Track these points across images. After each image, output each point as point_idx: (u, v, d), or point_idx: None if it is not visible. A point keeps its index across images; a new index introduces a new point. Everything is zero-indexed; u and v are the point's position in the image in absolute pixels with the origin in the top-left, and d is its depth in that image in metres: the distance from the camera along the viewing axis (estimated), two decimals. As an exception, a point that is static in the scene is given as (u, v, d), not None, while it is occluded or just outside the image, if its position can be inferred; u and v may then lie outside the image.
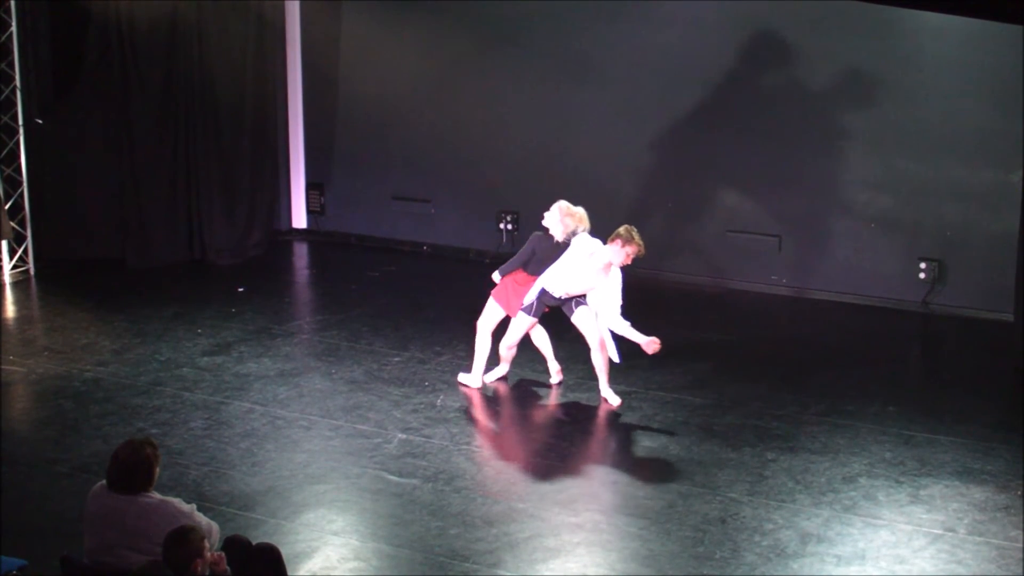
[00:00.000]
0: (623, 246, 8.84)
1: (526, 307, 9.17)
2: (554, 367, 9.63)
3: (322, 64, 13.79)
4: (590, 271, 8.96)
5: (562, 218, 9.18)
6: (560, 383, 9.61)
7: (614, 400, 9.24)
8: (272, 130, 13.68)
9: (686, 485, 7.92)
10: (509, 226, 13.09)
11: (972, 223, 11.35)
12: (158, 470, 5.75)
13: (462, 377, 9.61)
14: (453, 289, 12.18)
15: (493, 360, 9.58)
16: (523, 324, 9.25)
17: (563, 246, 9.12)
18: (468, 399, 9.40)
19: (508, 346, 9.40)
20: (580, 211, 9.22)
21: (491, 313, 9.42)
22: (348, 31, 13.61)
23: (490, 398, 9.45)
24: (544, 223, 9.27)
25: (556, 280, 9.03)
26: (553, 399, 9.41)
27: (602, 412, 9.12)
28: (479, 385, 9.54)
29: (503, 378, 9.66)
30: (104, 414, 9.00)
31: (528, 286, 9.22)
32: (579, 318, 9.16)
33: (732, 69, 11.98)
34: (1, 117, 11.99)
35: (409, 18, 13.15)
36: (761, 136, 11.99)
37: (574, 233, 9.12)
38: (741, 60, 11.94)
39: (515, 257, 9.41)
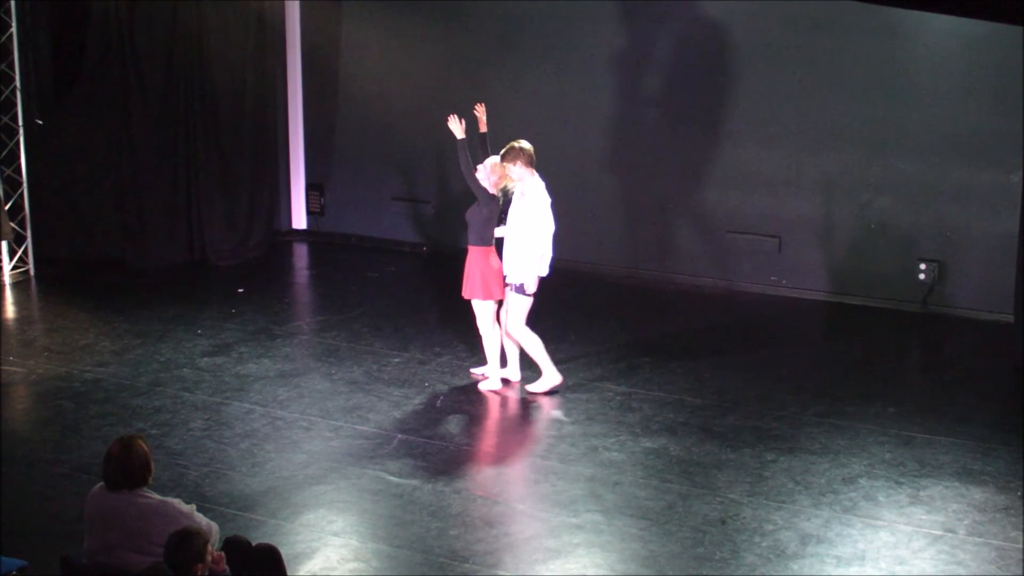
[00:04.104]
0: (516, 162, 9.15)
1: (530, 292, 9.21)
2: (494, 366, 9.57)
3: (322, 64, 13.80)
4: (518, 211, 9.23)
5: (489, 171, 9.27)
6: (482, 380, 9.62)
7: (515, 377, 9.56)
8: (272, 131, 13.69)
9: (686, 486, 7.92)
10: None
11: (972, 223, 11.35)
12: (153, 464, 5.75)
13: (484, 385, 9.60)
14: (453, 290, 12.15)
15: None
16: (524, 304, 9.28)
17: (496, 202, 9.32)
18: (468, 400, 9.40)
19: (519, 330, 9.36)
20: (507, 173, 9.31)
21: (484, 310, 9.40)
22: (348, 31, 13.62)
23: (490, 399, 9.45)
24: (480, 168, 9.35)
25: (532, 252, 9.15)
26: (553, 400, 9.40)
27: (602, 413, 9.12)
28: (500, 385, 9.55)
29: (506, 380, 9.66)
30: (104, 415, 9.00)
31: (497, 270, 9.29)
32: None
33: (732, 69, 11.98)
34: (1, 118, 11.99)
35: (409, 18, 13.15)
36: (761, 136, 11.99)
37: (504, 190, 9.31)
38: (741, 60, 11.95)
39: (467, 165, 9.26)
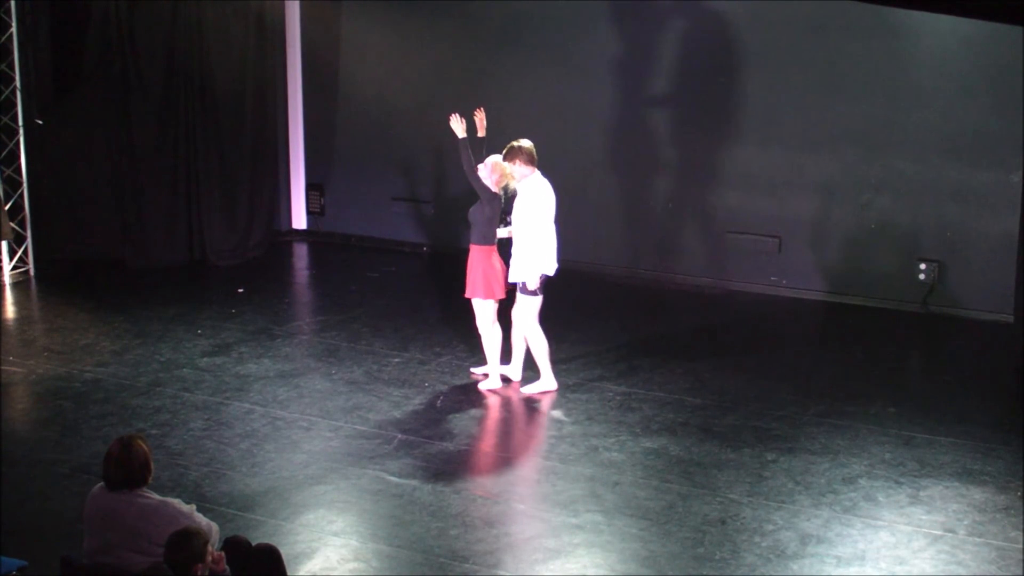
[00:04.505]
0: (516, 161, 9.19)
1: (531, 291, 9.20)
2: (494, 366, 9.57)
3: (322, 64, 13.80)
4: (519, 209, 9.26)
5: (490, 170, 9.26)
6: (484, 381, 9.62)
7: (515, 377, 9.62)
8: (272, 131, 13.69)
9: (686, 486, 7.92)
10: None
11: (972, 223, 11.35)
12: (152, 464, 5.75)
13: (484, 384, 9.59)
14: (453, 290, 12.16)
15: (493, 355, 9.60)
16: (534, 303, 9.27)
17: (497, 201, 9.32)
18: (468, 400, 9.40)
19: (530, 330, 9.35)
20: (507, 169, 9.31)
21: (485, 309, 9.39)
22: (348, 31, 13.62)
23: (490, 399, 9.45)
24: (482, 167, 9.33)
25: (534, 254, 9.14)
26: (553, 400, 9.40)
27: (602, 413, 9.12)
28: (500, 384, 9.54)
29: (506, 378, 9.65)
30: (104, 415, 9.00)
31: (499, 270, 9.29)
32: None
33: (732, 69, 11.99)
34: (1, 117, 11.99)
35: (409, 18, 13.16)
36: (761, 137, 11.99)
37: (505, 188, 9.32)
38: (741, 60, 11.94)
39: (469, 164, 9.24)
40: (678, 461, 8.30)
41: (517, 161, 9.15)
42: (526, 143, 9.19)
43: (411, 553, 7.06)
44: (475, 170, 9.20)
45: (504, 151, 9.19)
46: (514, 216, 9.29)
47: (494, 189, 9.27)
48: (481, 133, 9.43)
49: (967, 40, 11.08)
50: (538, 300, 9.27)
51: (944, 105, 11.30)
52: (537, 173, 9.22)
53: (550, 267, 9.27)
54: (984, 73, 11.10)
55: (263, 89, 13.41)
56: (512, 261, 9.30)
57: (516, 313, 9.44)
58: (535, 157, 9.18)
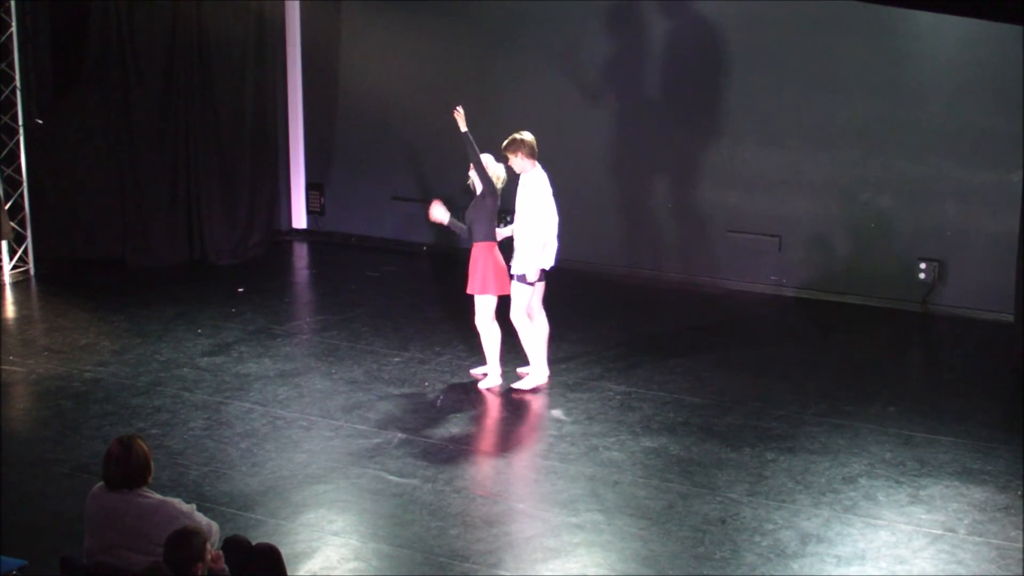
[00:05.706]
0: (518, 154, 9.16)
1: (530, 282, 9.21)
2: (494, 364, 9.53)
3: (322, 64, 13.80)
4: (521, 202, 9.25)
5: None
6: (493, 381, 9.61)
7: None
8: (272, 130, 13.69)
9: (686, 485, 7.92)
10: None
11: (972, 223, 11.35)
12: (152, 463, 5.76)
13: (483, 384, 9.58)
14: (453, 289, 12.16)
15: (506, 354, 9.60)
16: (525, 293, 9.27)
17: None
18: (468, 399, 9.40)
19: (519, 319, 9.33)
20: (499, 169, 9.34)
21: (486, 305, 9.38)
22: (348, 31, 13.62)
23: (490, 399, 9.45)
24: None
25: (534, 242, 9.13)
26: (553, 400, 9.40)
27: (602, 412, 9.12)
28: (500, 383, 9.53)
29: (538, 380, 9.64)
30: (104, 414, 9.00)
31: (502, 265, 9.29)
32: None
33: (732, 68, 11.99)
34: (1, 117, 12.00)
35: (409, 18, 13.16)
36: (761, 136, 11.99)
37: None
38: (741, 59, 11.95)
39: (476, 156, 9.19)
40: (678, 460, 8.30)
41: (519, 154, 9.14)
42: (528, 136, 9.18)
43: (411, 553, 7.06)
44: (481, 162, 9.17)
45: (505, 142, 9.18)
46: (517, 211, 9.29)
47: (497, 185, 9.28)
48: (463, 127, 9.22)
49: (967, 40, 11.08)
50: (528, 290, 9.27)
51: (944, 105, 11.30)
52: (538, 166, 9.23)
53: (548, 260, 9.28)
54: (984, 73, 11.10)
55: (263, 89, 13.41)
56: (515, 254, 9.28)
57: (533, 303, 9.45)
58: (536, 150, 9.19)
